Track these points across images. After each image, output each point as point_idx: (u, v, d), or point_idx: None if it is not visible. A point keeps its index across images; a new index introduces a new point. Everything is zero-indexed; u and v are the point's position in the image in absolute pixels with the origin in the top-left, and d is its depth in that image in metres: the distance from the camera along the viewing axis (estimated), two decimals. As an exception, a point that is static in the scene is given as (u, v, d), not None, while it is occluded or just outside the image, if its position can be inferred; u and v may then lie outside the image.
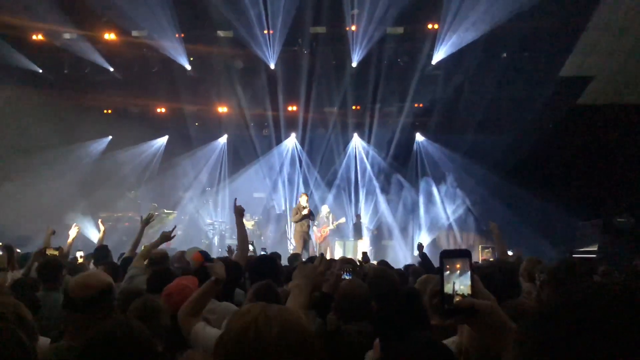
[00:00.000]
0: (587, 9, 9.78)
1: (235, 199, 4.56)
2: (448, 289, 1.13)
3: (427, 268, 5.56)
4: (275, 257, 5.21)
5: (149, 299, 2.59)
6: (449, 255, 1.17)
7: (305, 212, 10.86)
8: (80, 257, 6.53)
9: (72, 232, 6.53)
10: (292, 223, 13.11)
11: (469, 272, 1.14)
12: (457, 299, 1.12)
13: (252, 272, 3.93)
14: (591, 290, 0.68)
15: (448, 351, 1.78)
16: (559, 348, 0.64)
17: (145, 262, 4.34)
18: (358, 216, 14.17)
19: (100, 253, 5.95)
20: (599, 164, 12.61)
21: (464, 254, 1.17)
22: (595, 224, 10.73)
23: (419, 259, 6.33)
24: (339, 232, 13.40)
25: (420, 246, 6.64)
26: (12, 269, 4.95)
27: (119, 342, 1.66)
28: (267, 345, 1.16)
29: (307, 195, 11.41)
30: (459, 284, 1.13)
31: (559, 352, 0.64)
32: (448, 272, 1.15)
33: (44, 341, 2.45)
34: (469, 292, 1.13)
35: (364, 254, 7.24)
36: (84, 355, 1.68)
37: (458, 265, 1.15)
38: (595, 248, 10.06)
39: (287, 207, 14.52)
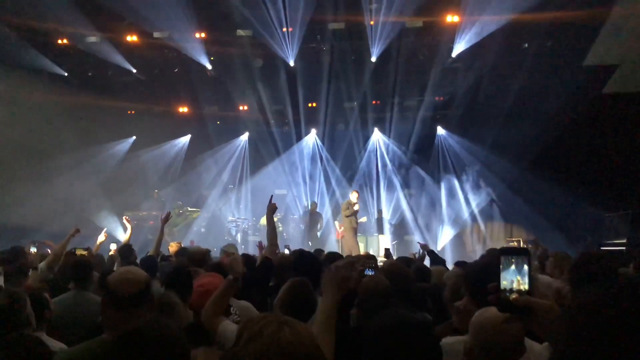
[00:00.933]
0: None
1: (272, 195, 4.61)
2: (505, 285, 1.16)
3: (438, 262, 5.56)
4: (316, 254, 5.15)
5: (164, 295, 2.65)
6: (507, 253, 1.20)
7: (356, 207, 10.86)
8: (113, 250, 6.70)
9: (101, 237, 6.70)
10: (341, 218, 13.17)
11: (528, 271, 1.17)
12: (514, 296, 1.15)
13: (294, 270, 3.87)
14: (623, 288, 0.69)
15: (423, 326, 1.79)
16: (590, 344, 0.65)
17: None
18: (380, 211, 14.15)
19: (124, 251, 6.06)
20: (626, 154, 12.31)
21: (522, 252, 1.20)
22: (623, 216, 10.51)
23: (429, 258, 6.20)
24: (361, 227, 13.41)
25: (424, 246, 6.46)
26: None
27: (151, 338, 1.67)
28: None
29: (357, 192, 11.43)
30: (517, 281, 1.16)
31: (590, 347, 0.65)
32: (506, 268, 1.18)
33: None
34: (527, 289, 1.16)
35: (387, 250, 7.23)
36: (117, 349, 1.70)
37: (516, 263, 1.18)
38: (624, 240, 9.86)
39: (309, 203, 14.58)
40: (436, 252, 6.39)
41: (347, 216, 10.87)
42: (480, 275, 2.13)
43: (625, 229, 10.42)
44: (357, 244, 10.76)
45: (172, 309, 2.57)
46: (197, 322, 2.70)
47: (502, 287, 1.16)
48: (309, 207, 13.56)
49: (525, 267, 1.16)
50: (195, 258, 4.41)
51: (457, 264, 5.45)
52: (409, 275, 3.54)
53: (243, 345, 1.17)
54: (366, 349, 1.84)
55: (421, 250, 6.13)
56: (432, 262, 5.73)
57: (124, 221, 7.42)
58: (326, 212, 14.50)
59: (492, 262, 1.22)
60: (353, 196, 11.07)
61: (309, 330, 1.26)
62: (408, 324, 1.83)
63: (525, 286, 1.15)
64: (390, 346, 1.79)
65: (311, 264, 3.91)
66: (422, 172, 14.36)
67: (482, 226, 13.73)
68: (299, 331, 1.21)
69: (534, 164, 12.81)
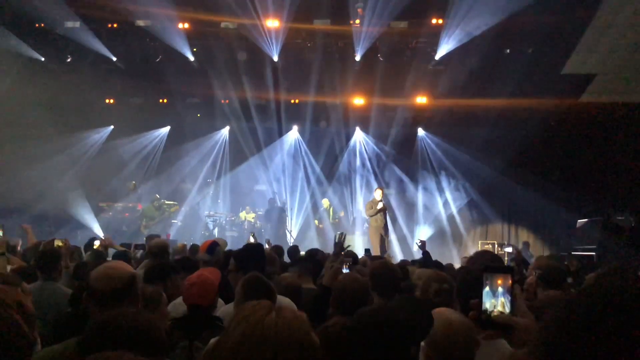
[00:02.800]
0: (590, 6, 9.75)
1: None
2: (487, 302, 1.16)
3: (428, 265, 5.58)
4: (261, 245, 5.13)
5: (146, 288, 2.61)
6: (490, 270, 1.20)
7: (380, 206, 10.48)
8: (97, 245, 6.54)
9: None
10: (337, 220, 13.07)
11: (510, 288, 1.17)
12: (495, 313, 1.15)
13: (237, 261, 3.94)
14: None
15: (401, 324, 1.81)
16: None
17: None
18: (358, 211, 14.21)
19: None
20: (600, 161, 12.62)
21: (505, 270, 1.21)
22: (595, 222, 10.76)
23: (421, 256, 6.27)
24: (339, 225, 13.45)
25: (422, 243, 6.52)
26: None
27: (122, 331, 1.63)
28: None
29: (382, 189, 11.08)
30: (499, 298, 1.16)
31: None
32: (488, 286, 1.18)
33: None
34: (508, 307, 1.16)
35: (367, 250, 7.23)
36: (85, 342, 1.66)
37: (499, 281, 1.18)
38: (594, 246, 10.10)
39: (288, 199, 14.55)
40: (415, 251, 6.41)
41: (370, 216, 10.64)
42: (469, 287, 2.18)
43: (596, 235, 10.69)
44: (378, 243, 10.34)
45: (157, 302, 2.54)
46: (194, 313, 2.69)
47: (483, 305, 1.17)
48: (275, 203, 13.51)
49: (508, 286, 1.17)
50: (153, 252, 4.36)
51: (435, 264, 5.50)
52: (394, 275, 3.55)
53: (231, 329, 1.19)
54: (345, 345, 1.84)
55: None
56: (424, 264, 5.74)
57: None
58: (306, 208, 14.50)
59: (476, 277, 1.23)
60: (377, 194, 10.76)
61: (299, 315, 1.26)
62: (385, 322, 1.84)
63: (507, 306, 1.16)
64: (367, 343, 1.79)
65: (256, 257, 3.95)
66: (399, 172, 14.47)
67: (460, 227, 13.92)
68: (286, 315, 1.21)
69: (512, 167, 13.08)
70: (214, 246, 4.54)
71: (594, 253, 9.63)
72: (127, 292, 2.15)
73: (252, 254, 4.07)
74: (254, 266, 3.54)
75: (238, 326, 1.18)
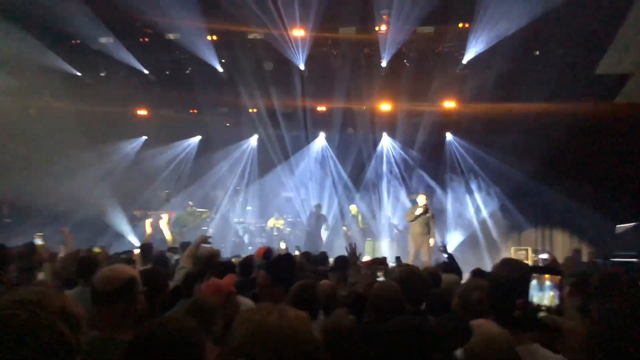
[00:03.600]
0: (624, 4, 9.50)
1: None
2: (535, 296, 1.16)
3: (453, 270, 5.47)
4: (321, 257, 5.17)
5: (200, 300, 2.69)
6: (539, 271, 1.19)
7: (419, 211, 10.16)
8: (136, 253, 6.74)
9: (148, 229, 6.81)
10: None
11: (558, 284, 1.16)
12: (542, 314, 1.14)
13: (271, 273, 3.90)
14: None
15: (430, 335, 1.81)
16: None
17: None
18: (387, 217, 14.15)
19: (143, 250, 6.17)
20: (637, 164, 12.23)
21: (554, 272, 1.20)
22: (637, 227, 10.40)
23: (445, 260, 6.18)
24: (368, 232, 13.42)
25: (444, 248, 6.44)
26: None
27: (167, 339, 1.65)
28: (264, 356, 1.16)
29: (425, 195, 10.83)
30: (546, 292, 1.15)
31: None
32: (537, 286, 1.17)
33: None
34: (557, 307, 1.15)
35: (397, 258, 7.19)
36: (132, 348, 1.69)
37: (547, 282, 1.17)
38: (634, 252, 9.76)
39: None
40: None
41: (409, 221, 10.47)
42: (506, 291, 2.15)
43: (636, 241, 10.33)
44: (413, 250, 10.13)
45: (212, 314, 2.62)
46: None
47: (530, 298, 1.16)
48: (314, 209, 13.57)
49: (556, 281, 1.16)
50: (201, 260, 4.44)
51: (475, 273, 5.36)
52: (424, 282, 3.54)
53: (235, 328, 1.23)
54: (376, 353, 1.86)
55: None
56: (446, 269, 5.67)
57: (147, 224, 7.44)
58: (333, 215, 14.52)
59: (519, 278, 1.22)
60: (420, 199, 10.53)
61: (302, 316, 1.28)
62: (415, 331, 1.85)
63: (555, 300, 1.15)
64: (397, 352, 1.81)
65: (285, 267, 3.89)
66: (428, 177, 14.32)
67: (493, 233, 13.67)
68: (289, 316, 1.24)
69: (544, 171, 12.79)
70: (269, 252, 4.66)
71: (635, 260, 9.30)
72: (124, 293, 2.27)
73: (284, 264, 4.05)
74: (287, 277, 3.56)
75: (242, 326, 1.22)
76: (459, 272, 5.41)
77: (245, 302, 3.31)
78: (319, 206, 13.57)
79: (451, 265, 5.78)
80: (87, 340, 2.13)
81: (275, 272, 3.71)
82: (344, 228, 13.50)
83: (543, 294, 1.16)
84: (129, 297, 2.28)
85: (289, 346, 1.19)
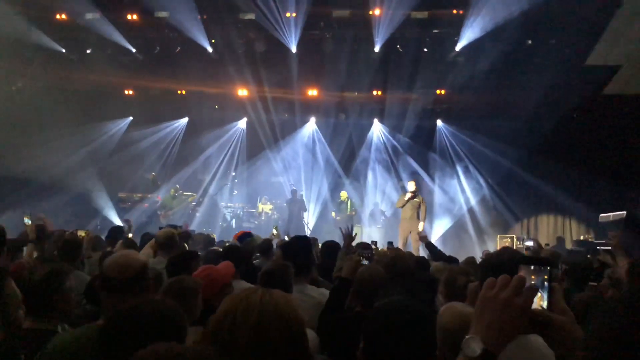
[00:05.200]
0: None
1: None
2: None
3: (438, 258, 5.45)
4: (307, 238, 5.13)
5: (184, 279, 2.64)
6: (527, 262, 1.12)
7: (407, 196, 10.16)
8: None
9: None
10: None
11: (548, 283, 1.09)
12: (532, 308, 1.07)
13: (285, 254, 3.87)
14: None
15: (428, 315, 1.78)
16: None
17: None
18: (376, 203, 14.16)
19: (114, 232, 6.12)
20: (624, 154, 12.35)
21: (543, 263, 1.12)
22: (618, 217, 10.52)
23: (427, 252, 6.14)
24: (357, 218, 13.42)
25: (424, 238, 6.42)
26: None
27: (145, 318, 1.62)
28: (242, 334, 1.18)
29: (414, 181, 10.79)
30: (537, 296, 1.08)
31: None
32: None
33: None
34: (546, 302, 1.09)
35: (390, 243, 7.16)
36: (107, 330, 1.65)
37: (533, 276, 1.10)
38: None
39: (304, 191, 14.55)
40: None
41: (400, 207, 10.44)
42: (496, 271, 2.12)
43: (617, 230, 10.45)
44: (403, 235, 10.09)
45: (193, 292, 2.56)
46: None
47: None
48: (291, 194, 13.49)
49: (546, 279, 1.09)
50: (161, 243, 4.37)
51: (449, 259, 5.36)
52: (408, 266, 3.54)
53: (220, 307, 1.27)
54: (366, 335, 1.82)
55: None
56: (432, 257, 5.65)
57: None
58: (322, 201, 14.49)
59: (508, 262, 1.16)
60: (410, 185, 10.53)
61: (286, 297, 1.31)
62: (408, 311, 1.82)
63: (544, 301, 1.08)
64: (390, 332, 1.77)
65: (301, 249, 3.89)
66: (418, 164, 14.32)
67: (480, 220, 13.75)
68: (273, 294, 1.28)
69: (533, 160, 12.91)
70: (245, 236, 4.62)
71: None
72: (138, 281, 2.20)
73: (301, 245, 3.98)
74: (303, 257, 3.58)
75: (225, 305, 1.25)
76: (446, 260, 5.39)
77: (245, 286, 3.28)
78: (294, 191, 13.47)
79: (433, 254, 5.76)
80: (93, 328, 2.07)
81: (290, 253, 3.67)
82: (332, 213, 13.49)
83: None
84: (141, 285, 2.22)
85: (272, 324, 1.20)
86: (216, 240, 7.92)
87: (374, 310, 1.91)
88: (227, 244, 5.29)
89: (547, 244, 6.48)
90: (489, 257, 2.62)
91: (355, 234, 4.38)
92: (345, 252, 4.29)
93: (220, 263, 3.20)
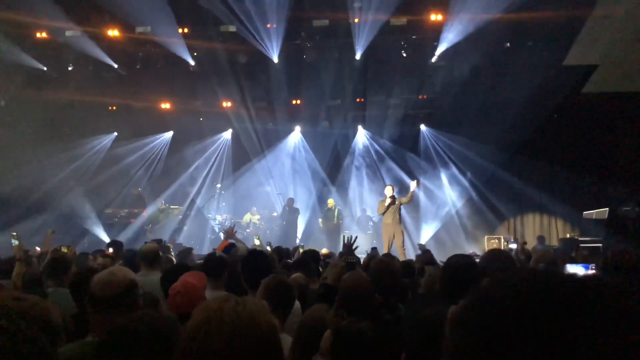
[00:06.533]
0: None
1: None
2: None
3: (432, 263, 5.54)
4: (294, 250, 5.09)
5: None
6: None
7: (387, 202, 10.05)
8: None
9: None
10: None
11: None
12: None
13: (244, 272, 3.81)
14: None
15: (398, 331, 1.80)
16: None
17: None
18: (363, 210, 14.19)
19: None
20: (604, 153, 12.56)
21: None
22: (601, 214, 10.69)
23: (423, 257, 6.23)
24: (343, 226, 13.44)
25: (421, 246, 6.50)
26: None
27: (141, 335, 1.63)
28: (215, 348, 1.15)
29: (392, 187, 10.63)
30: None
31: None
32: None
33: None
34: None
35: (373, 249, 7.20)
36: (104, 346, 1.67)
37: None
38: (600, 238, 10.04)
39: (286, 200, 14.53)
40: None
41: (380, 214, 10.38)
42: (458, 277, 2.17)
43: (601, 227, 10.63)
44: (387, 241, 10.03)
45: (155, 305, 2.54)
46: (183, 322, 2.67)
47: None
48: (287, 203, 13.51)
49: None
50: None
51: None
52: (396, 272, 3.55)
53: (192, 317, 1.24)
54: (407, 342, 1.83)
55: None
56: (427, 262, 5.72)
57: None
58: (310, 209, 14.49)
59: (468, 264, 1.20)
60: (387, 191, 10.41)
61: (260, 306, 1.29)
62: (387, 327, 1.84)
63: None
64: (430, 340, 1.77)
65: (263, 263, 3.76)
66: (403, 169, 14.38)
67: (467, 222, 13.85)
68: (246, 304, 1.25)
69: (516, 160, 13.08)
70: (230, 247, 4.56)
71: (600, 245, 9.57)
72: (125, 298, 2.17)
73: (257, 262, 3.94)
74: (263, 274, 3.48)
75: (198, 314, 1.22)
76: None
77: None
78: (291, 200, 13.50)
79: (427, 259, 5.84)
80: (83, 343, 2.07)
81: (249, 270, 3.62)
82: (320, 220, 13.51)
83: None
84: (129, 301, 2.18)
85: (246, 333, 1.19)
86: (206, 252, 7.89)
87: (417, 320, 1.91)
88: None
89: (524, 242, 6.53)
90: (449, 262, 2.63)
91: (357, 247, 4.34)
92: (340, 260, 4.30)
93: (186, 274, 3.09)
